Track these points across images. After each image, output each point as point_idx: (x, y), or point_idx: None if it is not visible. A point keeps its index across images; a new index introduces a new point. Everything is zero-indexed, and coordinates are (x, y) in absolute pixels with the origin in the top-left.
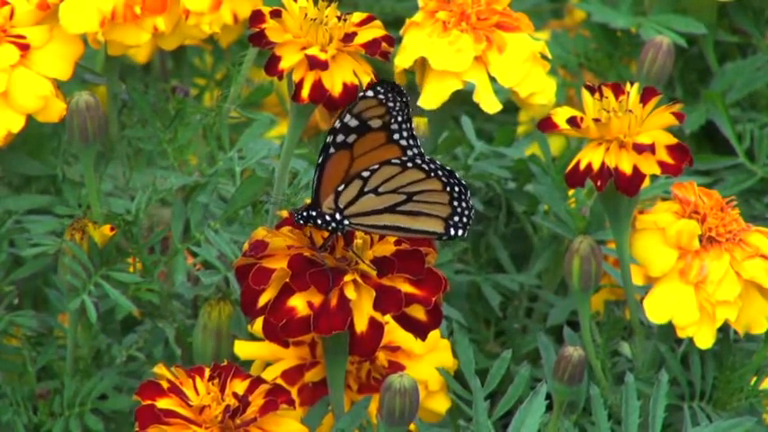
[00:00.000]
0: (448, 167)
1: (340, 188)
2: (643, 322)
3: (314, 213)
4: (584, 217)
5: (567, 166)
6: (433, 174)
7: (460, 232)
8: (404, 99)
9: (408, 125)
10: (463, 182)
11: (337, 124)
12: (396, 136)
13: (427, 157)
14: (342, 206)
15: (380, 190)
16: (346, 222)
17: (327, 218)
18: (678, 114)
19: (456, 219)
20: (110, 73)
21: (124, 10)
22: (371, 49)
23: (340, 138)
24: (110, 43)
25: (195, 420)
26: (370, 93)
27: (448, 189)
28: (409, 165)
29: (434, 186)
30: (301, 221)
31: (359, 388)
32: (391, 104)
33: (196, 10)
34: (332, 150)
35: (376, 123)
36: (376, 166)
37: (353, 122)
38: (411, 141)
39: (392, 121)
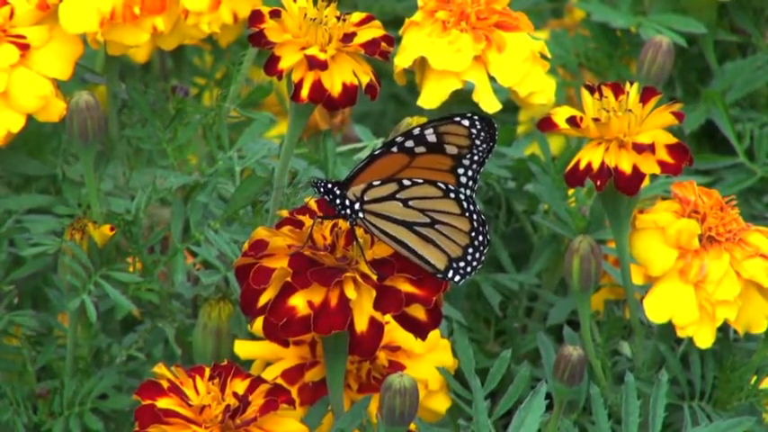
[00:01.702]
0: (484, 217)
1: (375, 183)
2: (643, 322)
3: (337, 191)
4: (584, 216)
5: (567, 166)
6: (467, 213)
7: (457, 278)
8: (491, 144)
9: (478, 168)
10: (488, 237)
11: (416, 131)
12: (460, 170)
13: (471, 200)
14: (366, 199)
15: (410, 203)
16: (360, 215)
17: (347, 202)
18: (678, 114)
19: (461, 264)
20: (109, 73)
21: (123, 10)
22: (371, 48)
23: (409, 143)
24: (109, 43)
25: (195, 420)
26: (465, 122)
27: (472, 234)
28: (451, 195)
29: (462, 225)
30: (321, 191)
31: (359, 387)
32: (478, 142)
33: (195, 10)
34: (394, 149)
35: (451, 150)
36: (420, 180)
37: (432, 138)
38: (470, 183)
39: (467, 155)
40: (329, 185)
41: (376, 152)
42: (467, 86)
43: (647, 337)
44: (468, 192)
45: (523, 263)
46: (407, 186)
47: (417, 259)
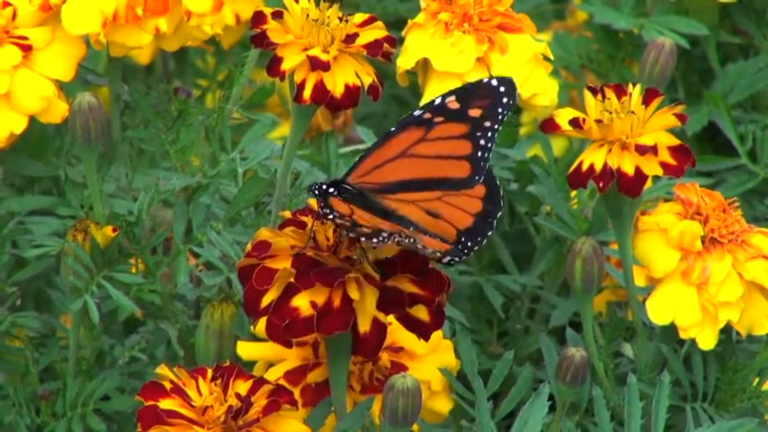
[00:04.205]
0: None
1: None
2: (645, 323)
3: (331, 189)
4: (587, 218)
5: (570, 168)
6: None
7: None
8: (511, 100)
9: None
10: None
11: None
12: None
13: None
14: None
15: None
16: None
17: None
18: (680, 116)
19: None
20: (112, 74)
21: (126, 11)
22: (373, 49)
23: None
24: (112, 44)
25: (198, 421)
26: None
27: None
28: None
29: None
30: (317, 194)
31: (362, 388)
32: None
33: (198, 11)
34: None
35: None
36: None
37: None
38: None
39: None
40: (324, 187)
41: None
42: None
43: (650, 339)
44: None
45: (526, 264)
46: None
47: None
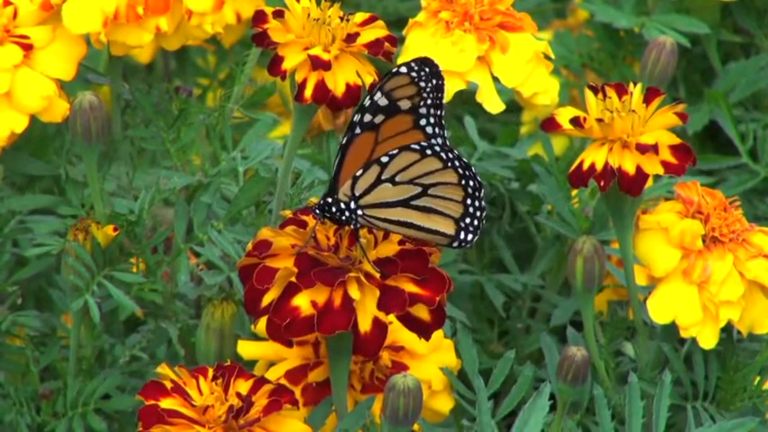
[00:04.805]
0: (465, 160)
1: (358, 173)
2: (646, 322)
3: (329, 200)
4: (588, 217)
5: (571, 167)
6: (449, 164)
7: (470, 236)
8: (438, 81)
9: (437, 111)
10: (479, 179)
11: (366, 102)
12: (422, 121)
13: (447, 147)
14: (358, 194)
15: (397, 179)
16: (360, 213)
17: (342, 206)
18: (681, 114)
19: (468, 221)
20: (113, 73)
21: (127, 10)
22: (374, 49)
23: (367, 117)
24: (112, 43)
25: (199, 420)
26: (403, 69)
27: (463, 183)
28: (428, 152)
29: (450, 179)
30: (317, 210)
31: (362, 388)
32: (423, 84)
33: (199, 10)
34: (357, 131)
35: (405, 105)
36: (395, 152)
37: (383, 101)
38: (437, 129)
39: (421, 104)
40: (321, 203)
41: (342, 142)
42: (470, 87)
43: (651, 338)
44: (441, 140)
45: (527, 263)
46: (387, 163)
47: (428, 234)
